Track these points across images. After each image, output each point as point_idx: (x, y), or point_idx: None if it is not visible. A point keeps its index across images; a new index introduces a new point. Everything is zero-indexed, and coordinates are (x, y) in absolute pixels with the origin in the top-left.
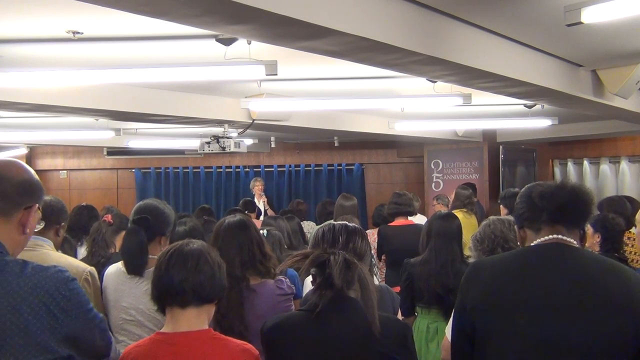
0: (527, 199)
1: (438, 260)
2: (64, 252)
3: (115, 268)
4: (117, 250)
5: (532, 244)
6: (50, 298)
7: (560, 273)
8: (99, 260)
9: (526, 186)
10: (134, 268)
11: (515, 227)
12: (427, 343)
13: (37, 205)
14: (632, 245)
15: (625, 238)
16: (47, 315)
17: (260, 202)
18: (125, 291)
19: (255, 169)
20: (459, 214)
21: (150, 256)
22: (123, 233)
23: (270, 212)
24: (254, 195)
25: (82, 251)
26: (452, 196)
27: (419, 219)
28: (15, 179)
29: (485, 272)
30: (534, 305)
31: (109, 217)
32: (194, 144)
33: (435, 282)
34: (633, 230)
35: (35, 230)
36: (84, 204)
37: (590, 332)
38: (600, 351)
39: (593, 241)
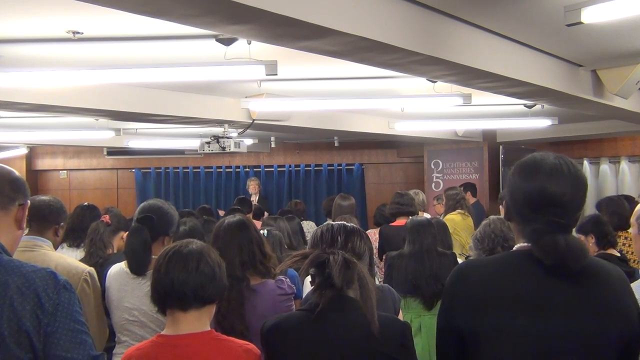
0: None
1: (412, 250)
2: None
3: (118, 268)
4: (114, 251)
5: (521, 246)
6: (36, 298)
7: (550, 276)
8: (97, 261)
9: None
10: (138, 267)
11: (504, 203)
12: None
13: (29, 203)
14: (630, 245)
15: (622, 238)
16: (31, 315)
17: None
18: (128, 291)
19: (255, 169)
20: (456, 216)
21: (154, 256)
22: (121, 234)
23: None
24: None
25: (79, 253)
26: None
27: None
28: (8, 177)
29: (475, 275)
30: (524, 307)
31: (106, 218)
32: (194, 144)
33: (411, 271)
34: (630, 230)
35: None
36: (85, 203)
37: (578, 332)
38: (589, 351)
39: (589, 244)
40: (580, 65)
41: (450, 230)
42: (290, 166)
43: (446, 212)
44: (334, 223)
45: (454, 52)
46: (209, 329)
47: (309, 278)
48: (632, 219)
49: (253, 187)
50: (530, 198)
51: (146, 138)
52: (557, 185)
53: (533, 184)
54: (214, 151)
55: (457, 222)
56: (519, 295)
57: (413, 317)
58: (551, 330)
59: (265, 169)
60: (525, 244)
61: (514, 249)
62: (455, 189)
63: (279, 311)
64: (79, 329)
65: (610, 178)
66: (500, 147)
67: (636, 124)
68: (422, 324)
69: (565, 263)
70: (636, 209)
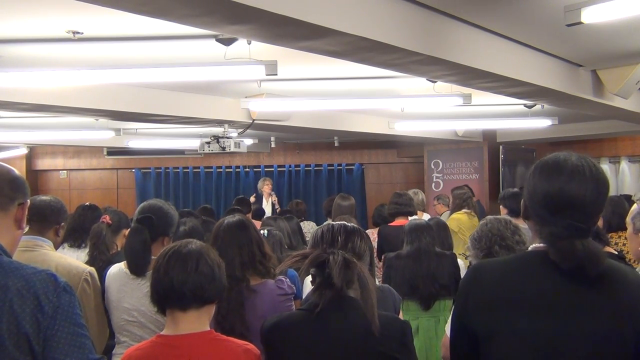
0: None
1: (410, 250)
2: None
3: (118, 268)
4: (118, 249)
5: (537, 247)
6: (36, 301)
7: (566, 278)
8: (100, 266)
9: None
10: (137, 267)
11: (522, 202)
12: None
13: (28, 202)
14: (625, 245)
15: (622, 238)
16: (31, 318)
17: (269, 202)
18: (127, 292)
19: (255, 169)
20: (462, 215)
21: (153, 257)
22: (123, 232)
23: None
24: (262, 195)
25: (83, 255)
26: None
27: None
28: (7, 176)
29: (489, 275)
30: (537, 307)
31: (106, 218)
32: (194, 144)
33: (409, 271)
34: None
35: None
36: (87, 203)
37: (592, 333)
38: (603, 354)
39: None
40: (580, 65)
41: (455, 230)
42: (290, 166)
43: (452, 210)
44: (334, 223)
45: (454, 52)
46: (209, 329)
47: (309, 278)
48: (627, 219)
49: (268, 188)
50: (549, 199)
51: (146, 138)
52: (577, 187)
53: (553, 185)
54: (214, 151)
55: (463, 221)
56: (533, 297)
57: (411, 318)
58: (565, 333)
59: (265, 169)
60: (542, 244)
61: (530, 248)
62: (462, 188)
63: (279, 311)
64: (79, 332)
65: (610, 178)
66: (500, 147)
67: (636, 124)
68: (419, 325)
69: (583, 268)
70: (632, 209)
